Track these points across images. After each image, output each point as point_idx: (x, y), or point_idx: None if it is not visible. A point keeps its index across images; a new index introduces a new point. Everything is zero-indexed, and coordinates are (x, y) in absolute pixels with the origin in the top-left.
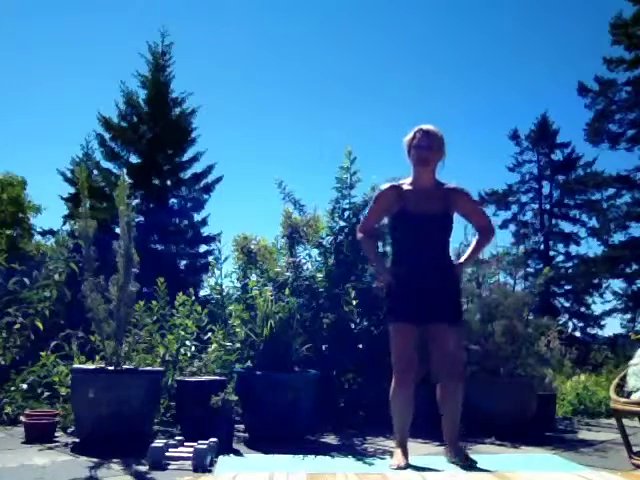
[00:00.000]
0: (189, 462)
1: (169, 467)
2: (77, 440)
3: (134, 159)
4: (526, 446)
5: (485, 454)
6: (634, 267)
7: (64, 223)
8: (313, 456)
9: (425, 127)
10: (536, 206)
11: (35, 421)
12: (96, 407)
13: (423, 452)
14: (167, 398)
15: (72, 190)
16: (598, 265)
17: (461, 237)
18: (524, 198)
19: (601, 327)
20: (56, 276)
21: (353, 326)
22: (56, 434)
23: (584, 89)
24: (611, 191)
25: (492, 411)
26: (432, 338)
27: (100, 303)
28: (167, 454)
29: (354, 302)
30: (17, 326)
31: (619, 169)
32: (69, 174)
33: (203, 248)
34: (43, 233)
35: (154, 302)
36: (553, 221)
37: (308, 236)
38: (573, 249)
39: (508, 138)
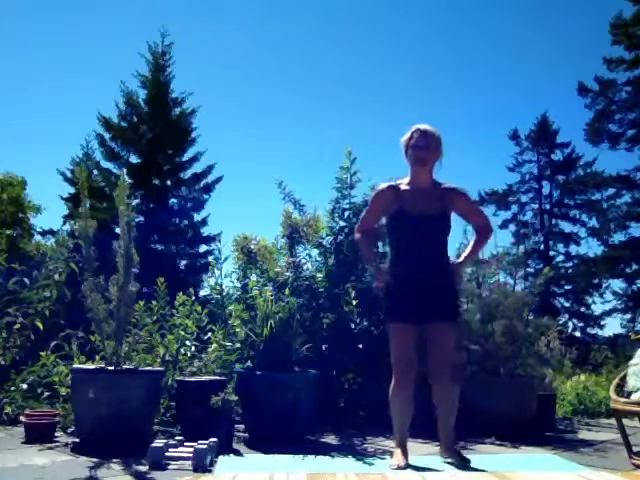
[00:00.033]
0: (189, 462)
1: (169, 467)
2: (77, 440)
3: (134, 159)
4: (526, 446)
5: (485, 454)
6: (634, 267)
7: (64, 223)
8: (313, 456)
9: (422, 127)
10: (536, 206)
11: (35, 421)
12: (96, 407)
13: (423, 452)
14: (167, 398)
15: (72, 190)
16: (598, 265)
17: (461, 237)
18: (524, 198)
19: (601, 327)
20: (56, 276)
21: (353, 326)
22: (56, 434)
23: (584, 89)
24: (611, 191)
25: (492, 411)
26: (430, 338)
27: (100, 303)
28: (167, 454)
29: (354, 302)
30: (17, 326)
31: (619, 169)
32: (69, 174)
33: (203, 248)
34: (43, 233)
35: (154, 302)
36: (553, 221)
37: (308, 236)
38: (573, 249)
39: (508, 138)
